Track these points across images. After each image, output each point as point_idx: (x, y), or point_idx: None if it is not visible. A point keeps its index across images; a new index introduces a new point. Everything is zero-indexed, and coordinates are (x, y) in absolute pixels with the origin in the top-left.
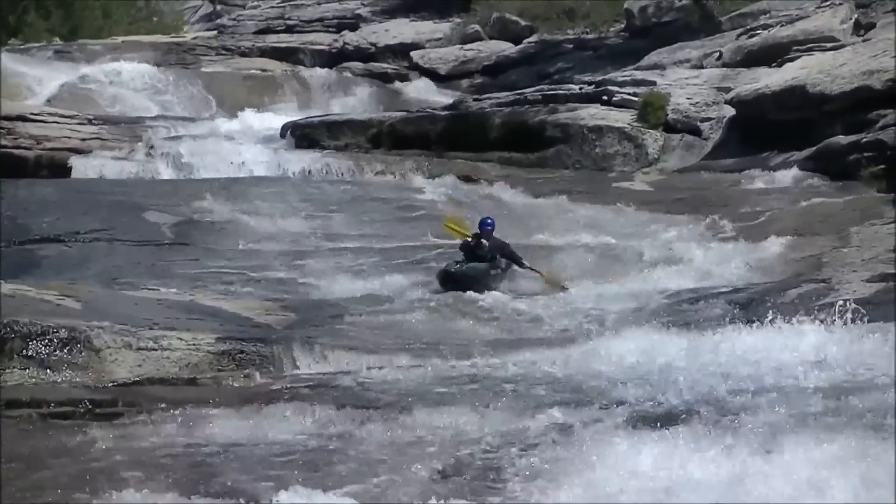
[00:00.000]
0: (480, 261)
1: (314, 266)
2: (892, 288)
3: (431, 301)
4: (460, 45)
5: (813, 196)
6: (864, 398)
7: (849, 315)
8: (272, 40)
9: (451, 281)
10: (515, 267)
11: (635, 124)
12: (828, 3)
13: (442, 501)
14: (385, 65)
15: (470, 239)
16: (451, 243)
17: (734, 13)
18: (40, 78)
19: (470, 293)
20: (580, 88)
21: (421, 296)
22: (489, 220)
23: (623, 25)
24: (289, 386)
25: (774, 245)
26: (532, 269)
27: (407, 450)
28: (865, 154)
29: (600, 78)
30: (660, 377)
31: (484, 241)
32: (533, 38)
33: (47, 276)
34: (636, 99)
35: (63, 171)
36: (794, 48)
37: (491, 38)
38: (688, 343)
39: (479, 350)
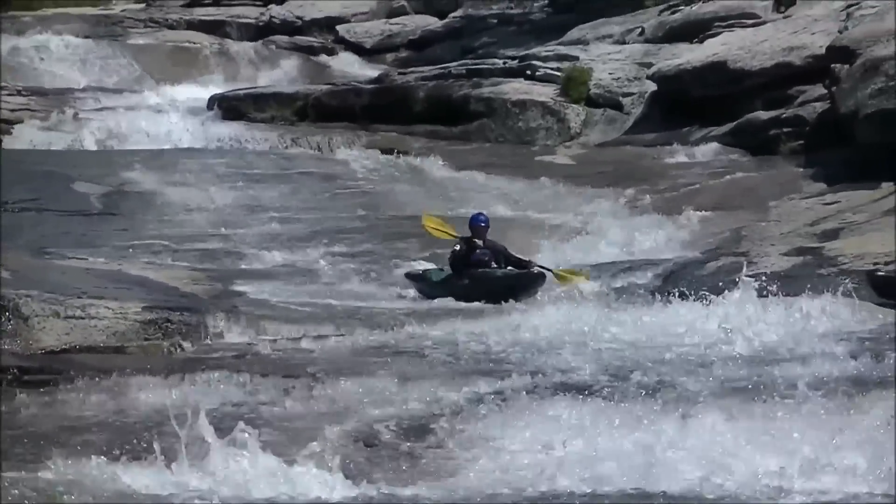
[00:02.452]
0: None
1: (240, 236)
2: (809, 261)
3: (355, 272)
4: (386, 20)
5: (733, 170)
6: (779, 368)
7: (767, 288)
8: (199, 13)
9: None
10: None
11: (558, 99)
12: None
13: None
14: (311, 38)
15: (458, 245)
16: (377, 215)
17: None
18: None
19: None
20: (504, 63)
21: (345, 267)
22: (482, 217)
23: (547, 1)
24: (215, 354)
25: (694, 219)
26: (543, 268)
27: (330, 418)
28: (785, 129)
29: (524, 53)
30: (578, 348)
31: (478, 241)
32: (458, 13)
33: None
34: (559, 74)
35: None
36: (716, 24)
37: (416, 12)
38: (607, 314)
39: (401, 321)
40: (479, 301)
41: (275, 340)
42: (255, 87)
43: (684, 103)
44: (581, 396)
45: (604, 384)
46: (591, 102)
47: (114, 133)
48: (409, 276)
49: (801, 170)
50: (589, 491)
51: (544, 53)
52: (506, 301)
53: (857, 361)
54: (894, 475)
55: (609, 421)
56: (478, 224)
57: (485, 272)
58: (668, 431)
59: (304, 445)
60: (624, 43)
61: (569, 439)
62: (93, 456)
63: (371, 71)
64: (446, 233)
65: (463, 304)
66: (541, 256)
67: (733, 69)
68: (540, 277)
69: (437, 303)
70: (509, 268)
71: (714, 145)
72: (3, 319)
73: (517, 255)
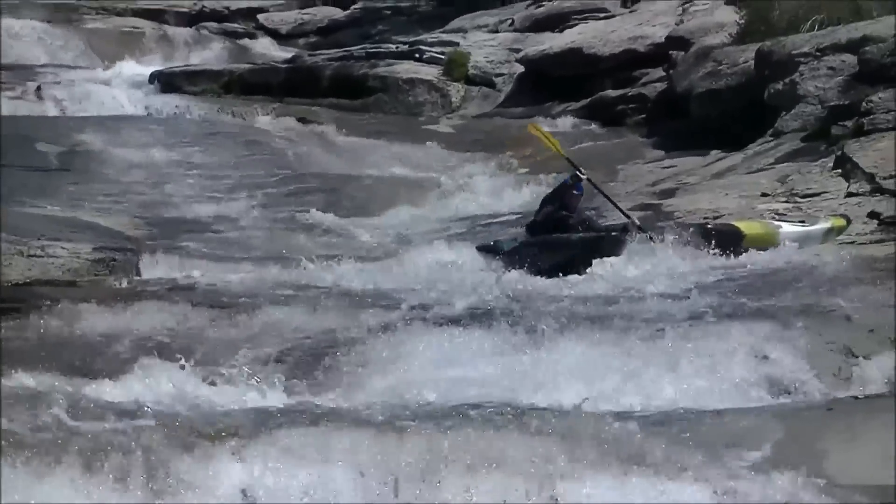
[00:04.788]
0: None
1: (174, 190)
2: (650, 215)
3: (270, 220)
4: (298, 10)
5: (587, 139)
6: (622, 307)
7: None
8: (142, 3)
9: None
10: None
11: (441, 78)
12: None
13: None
14: (236, 25)
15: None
16: (288, 173)
17: None
18: None
19: None
20: (396, 47)
21: (261, 216)
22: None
23: None
24: (152, 288)
25: (553, 178)
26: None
27: (248, 341)
28: (630, 105)
29: (413, 39)
30: (456, 285)
31: (575, 192)
32: (358, 5)
33: None
34: (443, 57)
35: None
36: (573, 17)
37: (324, 4)
38: (480, 257)
39: (309, 261)
40: (554, 274)
41: (202, 276)
42: (188, 66)
43: (547, 82)
44: (458, 325)
45: (478, 315)
46: (469, 81)
47: (69, 102)
48: (480, 248)
49: (644, 139)
50: (475, 402)
51: (430, 40)
52: (582, 270)
53: (690, 298)
54: None
55: (479, 347)
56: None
57: (558, 237)
58: (531, 354)
59: (228, 362)
60: (497, 32)
61: (447, 361)
62: (51, 371)
63: (286, 53)
64: (551, 141)
65: (360, 250)
66: (426, 210)
67: (587, 54)
68: (619, 241)
69: (339, 247)
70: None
71: (571, 118)
72: None
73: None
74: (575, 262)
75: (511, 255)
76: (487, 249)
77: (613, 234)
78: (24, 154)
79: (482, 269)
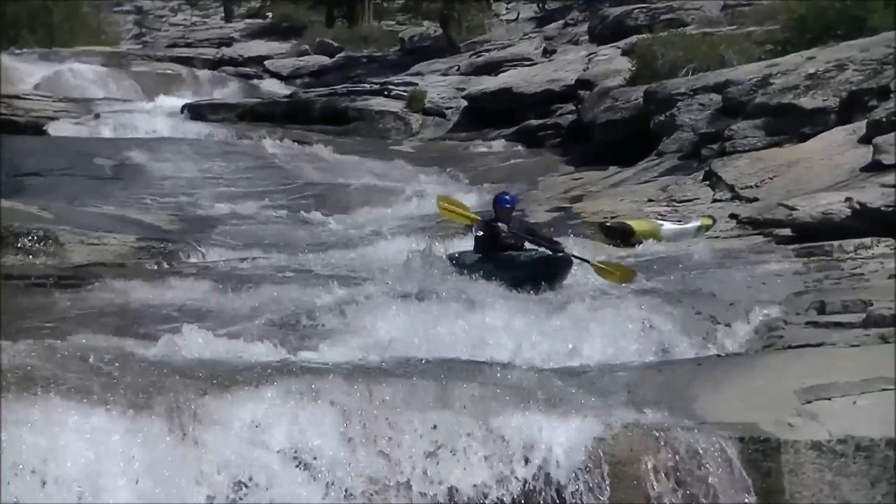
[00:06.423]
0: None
1: (200, 193)
2: (563, 216)
3: (275, 218)
4: (296, 57)
5: (515, 157)
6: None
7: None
8: (177, 52)
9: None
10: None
11: (405, 110)
12: (527, 36)
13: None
14: (248, 69)
15: (481, 231)
16: (287, 183)
17: (468, 41)
18: (29, 71)
19: None
20: (371, 86)
21: (268, 214)
22: (508, 197)
23: (398, 47)
24: (182, 269)
25: (489, 187)
26: (578, 258)
27: (255, 310)
28: (548, 131)
29: (383, 80)
30: (415, 268)
31: (501, 224)
32: (342, 54)
33: (32, 197)
34: (406, 93)
35: (41, 131)
36: (505, 64)
37: (315, 53)
38: (433, 246)
39: (303, 249)
40: (512, 287)
41: (221, 261)
42: (212, 99)
43: (485, 114)
44: (417, 300)
45: (433, 291)
46: (426, 112)
47: (120, 127)
48: (449, 257)
49: (558, 157)
50: (429, 357)
51: (397, 81)
52: (534, 288)
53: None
54: None
55: (437, 315)
56: (503, 206)
57: (509, 255)
58: (487, 319)
59: (241, 324)
60: (447, 75)
61: (408, 327)
62: (105, 332)
63: (286, 90)
64: (463, 214)
65: (341, 241)
66: (392, 209)
67: (516, 93)
68: (564, 261)
69: (325, 238)
70: (541, 249)
71: (503, 141)
72: (48, 244)
73: (548, 237)
74: (524, 280)
75: (473, 269)
76: (453, 259)
77: (560, 254)
78: (85, 166)
79: (431, 257)
